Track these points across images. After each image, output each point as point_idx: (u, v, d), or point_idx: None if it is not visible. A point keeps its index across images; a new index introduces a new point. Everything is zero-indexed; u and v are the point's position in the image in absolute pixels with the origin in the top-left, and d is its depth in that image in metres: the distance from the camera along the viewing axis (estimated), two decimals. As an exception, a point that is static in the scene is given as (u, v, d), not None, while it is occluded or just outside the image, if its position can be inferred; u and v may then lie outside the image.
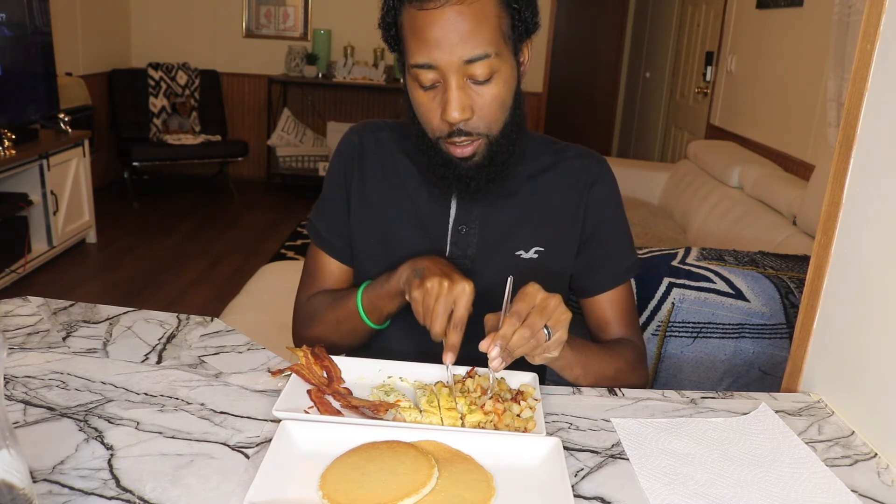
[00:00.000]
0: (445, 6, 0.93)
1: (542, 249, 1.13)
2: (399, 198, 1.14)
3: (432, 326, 0.95)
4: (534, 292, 0.91)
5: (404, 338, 1.15)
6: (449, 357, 0.92)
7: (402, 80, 1.06)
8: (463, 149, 1.02)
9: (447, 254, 1.12)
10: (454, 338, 0.93)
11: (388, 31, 1.02)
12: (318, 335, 1.17)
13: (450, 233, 1.12)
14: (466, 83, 0.97)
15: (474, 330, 1.14)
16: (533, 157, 1.14)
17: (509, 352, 0.88)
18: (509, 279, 0.92)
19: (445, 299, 0.94)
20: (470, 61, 0.95)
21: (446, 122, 0.99)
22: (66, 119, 3.93)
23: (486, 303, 1.12)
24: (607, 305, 1.16)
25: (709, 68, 4.57)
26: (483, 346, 0.88)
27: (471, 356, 1.05)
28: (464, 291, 0.94)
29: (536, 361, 0.95)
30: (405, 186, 1.14)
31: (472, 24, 0.94)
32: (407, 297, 1.00)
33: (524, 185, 1.13)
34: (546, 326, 0.90)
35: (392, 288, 1.05)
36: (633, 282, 1.64)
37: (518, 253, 1.12)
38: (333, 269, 1.20)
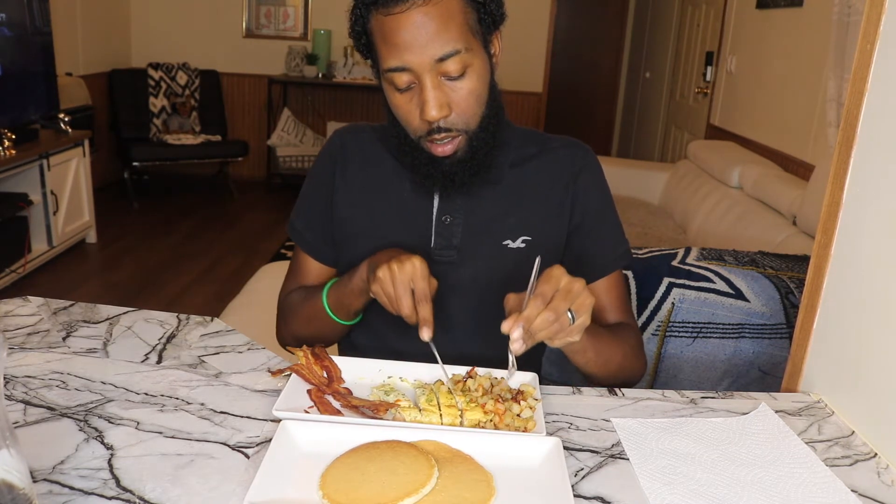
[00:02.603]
0: (411, 9, 0.94)
1: (530, 239, 1.13)
2: (382, 193, 1.15)
3: (400, 310, 0.96)
4: (559, 275, 0.91)
5: (406, 338, 1.15)
6: (425, 332, 0.94)
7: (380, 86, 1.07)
8: (444, 147, 1.03)
9: (432, 244, 1.12)
10: (424, 312, 0.95)
11: (359, 39, 1.04)
12: (294, 332, 1.19)
13: (434, 223, 1.12)
14: (441, 81, 0.99)
15: (473, 329, 1.15)
16: (516, 146, 1.15)
17: (531, 334, 0.88)
18: (537, 259, 0.92)
19: (400, 281, 0.95)
20: (441, 59, 0.96)
21: (425, 121, 1.00)
22: (66, 119, 3.93)
23: (474, 293, 1.13)
24: (603, 293, 1.16)
25: (709, 68, 4.56)
26: (505, 327, 0.88)
27: (470, 356, 1.05)
28: (414, 267, 0.96)
29: (556, 345, 0.94)
30: (388, 182, 1.15)
31: (438, 22, 0.95)
32: (372, 295, 1.02)
33: (508, 174, 1.14)
34: (570, 310, 0.90)
35: (355, 286, 1.06)
36: (632, 279, 1.65)
37: (505, 242, 1.12)
38: (313, 268, 1.21)
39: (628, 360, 1.11)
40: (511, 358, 0.92)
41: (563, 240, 1.16)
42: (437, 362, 0.97)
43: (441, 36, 0.95)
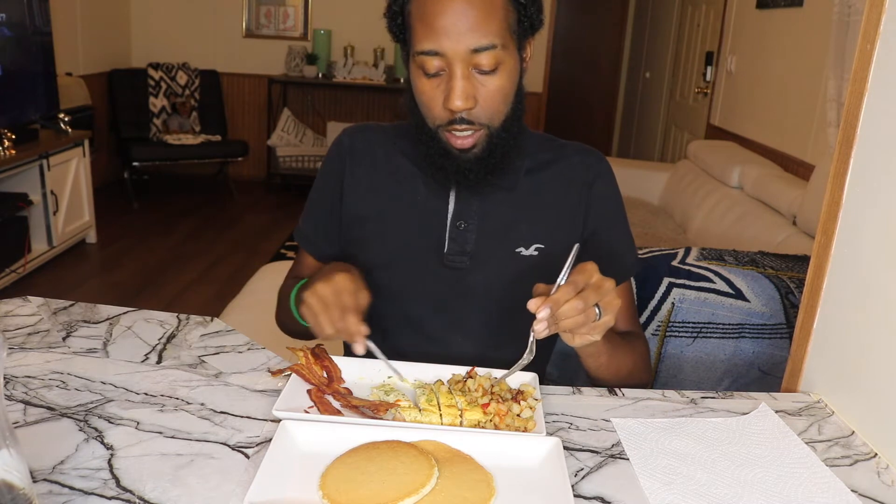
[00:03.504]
0: None
1: (543, 247, 1.12)
2: (396, 195, 1.13)
3: (323, 330, 0.93)
4: (592, 270, 0.90)
5: (411, 338, 1.15)
6: (358, 346, 0.93)
7: (405, 74, 1.06)
8: (464, 139, 1.02)
9: (445, 250, 1.11)
10: (348, 323, 0.92)
11: (394, 19, 1.03)
12: (283, 321, 1.20)
13: (448, 228, 1.11)
14: (471, 73, 0.98)
15: (484, 334, 1.14)
16: (532, 153, 1.14)
17: (556, 319, 0.87)
18: (575, 246, 0.91)
19: (327, 301, 0.93)
20: (477, 50, 0.96)
21: (448, 110, 0.99)
22: (66, 119, 3.93)
23: (485, 299, 1.12)
24: None
25: (709, 68, 4.56)
26: (532, 305, 0.87)
27: (481, 360, 1.04)
28: (337, 284, 0.93)
29: (576, 342, 0.93)
30: (402, 184, 1.13)
31: (480, 13, 0.95)
32: (303, 322, 0.99)
33: (523, 180, 1.13)
34: (597, 305, 0.89)
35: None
36: (632, 279, 1.65)
37: (518, 250, 1.11)
38: (310, 265, 1.21)
39: (637, 370, 1.11)
40: (531, 339, 0.91)
41: None
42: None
43: (481, 27, 0.95)
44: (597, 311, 0.89)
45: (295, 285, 1.14)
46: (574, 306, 0.86)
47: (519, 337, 1.05)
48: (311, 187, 1.22)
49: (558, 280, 0.89)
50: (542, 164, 1.15)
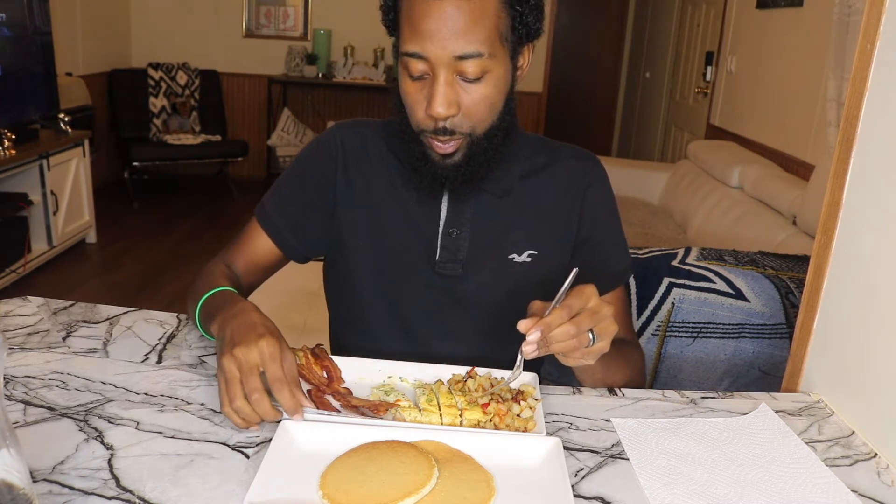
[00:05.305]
0: None
1: (536, 253, 1.10)
2: (388, 199, 1.11)
3: (233, 402, 0.82)
4: (590, 293, 0.87)
5: (404, 340, 1.15)
6: (299, 417, 0.83)
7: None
8: (444, 145, 1.00)
9: (437, 257, 1.09)
10: (283, 398, 0.82)
11: (387, 14, 1.01)
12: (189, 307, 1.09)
13: (440, 236, 1.09)
14: (455, 79, 0.95)
15: (476, 340, 1.14)
16: (526, 157, 1.12)
17: (547, 342, 0.85)
18: (574, 270, 0.87)
19: (248, 370, 0.83)
20: (461, 58, 0.93)
21: (430, 116, 0.97)
22: (66, 119, 3.93)
23: (477, 306, 1.11)
24: None
25: (709, 68, 4.56)
26: (522, 326, 0.85)
27: (470, 363, 1.04)
28: (261, 351, 0.83)
29: (569, 363, 0.91)
30: (394, 188, 1.11)
31: (468, 19, 0.92)
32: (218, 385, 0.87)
33: (517, 186, 1.11)
34: (591, 331, 0.87)
35: (216, 339, 0.94)
36: (632, 279, 1.65)
37: (511, 256, 1.10)
38: (262, 248, 1.15)
39: (632, 381, 1.11)
40: (519, 359, 0.89)
41: (569, 254, 1.13)
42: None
43: (467, 34, 0.92)
44: (590, 336, 0.87)
45: (209, 283, 1.04)
46: (566, 331, 0.84)
47: (513, 343, 1.04)
48: (286, 171, 1.17)
49: (553, 302, 0.86)
50: (538, 168, 1.12)
